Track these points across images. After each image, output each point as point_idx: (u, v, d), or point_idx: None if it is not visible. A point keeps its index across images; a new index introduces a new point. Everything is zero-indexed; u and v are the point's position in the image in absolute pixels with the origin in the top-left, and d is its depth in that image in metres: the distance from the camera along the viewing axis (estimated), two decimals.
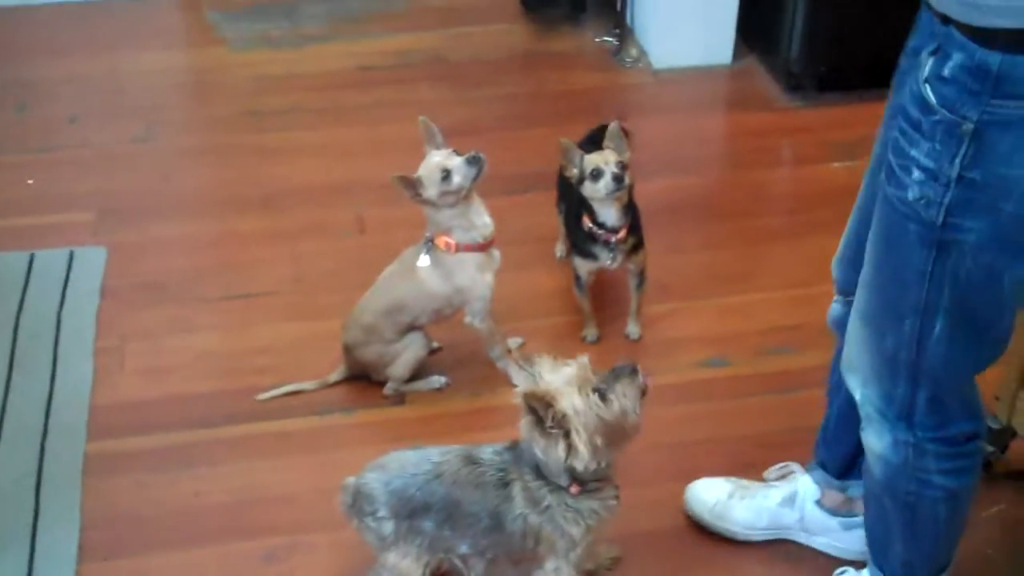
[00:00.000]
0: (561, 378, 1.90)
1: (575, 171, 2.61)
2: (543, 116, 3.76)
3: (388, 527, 2.03)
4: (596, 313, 2.87)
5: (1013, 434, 2.37)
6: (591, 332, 2.86)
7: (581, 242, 2.74)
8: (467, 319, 2.63)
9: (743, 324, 2.90)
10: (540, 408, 1.86)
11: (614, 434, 1.92)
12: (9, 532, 2.33)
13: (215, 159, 3.64)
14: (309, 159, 3.54)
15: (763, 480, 2.37)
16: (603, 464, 1.93)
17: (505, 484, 1.99)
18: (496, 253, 2.61)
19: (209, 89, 4.00)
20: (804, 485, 2.29)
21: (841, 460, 2.21)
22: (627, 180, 2.61)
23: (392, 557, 2.04)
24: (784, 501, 2.31)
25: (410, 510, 2.01)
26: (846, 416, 2.06)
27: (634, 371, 1.93)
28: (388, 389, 2.67)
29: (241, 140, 3.65)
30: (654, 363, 2.69)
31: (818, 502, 2.28)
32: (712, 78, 3.98)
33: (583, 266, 2.77)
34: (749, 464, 2.43)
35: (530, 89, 3.91)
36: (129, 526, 2.37)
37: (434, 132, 2.54)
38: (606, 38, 4.16)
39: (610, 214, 2.66)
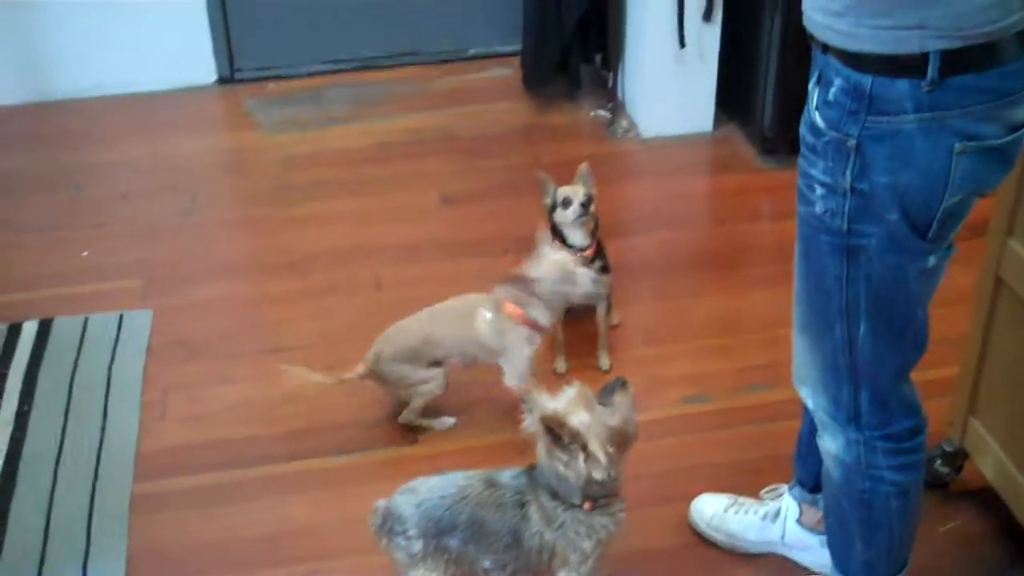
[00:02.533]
0: (565, 401, 1.95)
1: (548, 200, 2.79)
2: None
3: (417, 545, 2.05)
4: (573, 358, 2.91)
5: (966, 456, 2.39)
6: (561, 363, 2.89)
7: None
8: (505, 381, 2.63)
9: (723, 364, 2.92)
10: (556, 427, 1.90)
11: (620, 440, 1.97)
12: (64, 563, 2.37)
13: (249, 229, 3.70)
14: (332, 226, 3.59)
15: (759, 498, 2.41)
16: (614, 473, 1.97)
17: (522, 505, 2.03)
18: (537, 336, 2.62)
19: (245, 168, 4.07)
20: (788, 504, 2.32)
21: (815, 473, 2.22)
22: (592, 210, 2.74)
23: (420, 572, 2.07)
24: (770, 517, 2.34)
25: (438, 529, 2.04)
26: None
27: (624, 384, 1.99)
28: (402, 418, 2.68)
29: (273, 212, 3.71)
30: (641, 400, 2.68)
31: (798, 520, 2.30)
32: (695, 145, 4.02)
33: None
34: (730, 489, 2.45)
35: (531, 159, 3.95)
36: (170, 558, 2.40)
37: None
38: (600, 112, 4.22)
39: (578, 236, 2.79)
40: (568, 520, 2.00)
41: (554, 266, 2.51)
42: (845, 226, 1.65)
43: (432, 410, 2.73)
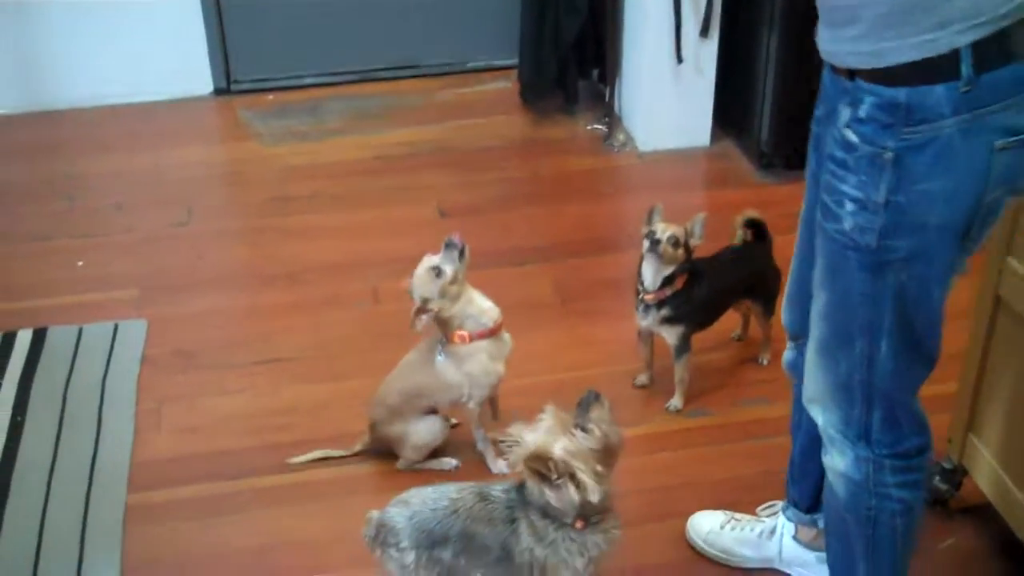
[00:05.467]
0: (542, 432, 1.92)
1: (645, 228, 2.70)
2: (540, 197, 3.82)
3: (410, 557, 2.04)
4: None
5: (964, 473, 2.38)
6: (640, 377, 2.89)
7: (636, 298, 2.79)
8: (466, 403, 2.58)
9: (723, 379, 2.92)
10: (541, 467, 1.89)
11: (606, 456, 1.94)
12: (57, 574, 2.35)
13: (246, 240, 3.70)
14: (329, 238, 3.59)
15: (755, 514, 2.40)
16: (606, 488, 1.94)
17: (513, 520, 2.01)
18: (507, 337, 2.56)
19: (242, 179, 4.07)
20: (783, 521, 2.32)
21: (809, 494, 2.23)
22: (665, 249, 2.65)
23: None
24: (766, 534, 2.33)
25: (430, 541, 2.03)
26: (809, 452, 2.08)
27: (597, 397, 1.96)
28: (401, 464, 2.64)
29: (269, 223, 3.71)
30: (642, 414, 2.73)
31: (795, 536, 2.30)
32: (692, 159, 4.03)
33: (637, 317, 2.80)
34: (728, 504, 2.44)
35: (528, 173, 3.97)
36: (164, 570, 2.38)
37: None
38: (596, 126, 4.23)
39: (647, 274, 2.71)
40: (559, 538, 1.98)
41: (423, 275, 2.45)
42: (875, 242, 1.63)
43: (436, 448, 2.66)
